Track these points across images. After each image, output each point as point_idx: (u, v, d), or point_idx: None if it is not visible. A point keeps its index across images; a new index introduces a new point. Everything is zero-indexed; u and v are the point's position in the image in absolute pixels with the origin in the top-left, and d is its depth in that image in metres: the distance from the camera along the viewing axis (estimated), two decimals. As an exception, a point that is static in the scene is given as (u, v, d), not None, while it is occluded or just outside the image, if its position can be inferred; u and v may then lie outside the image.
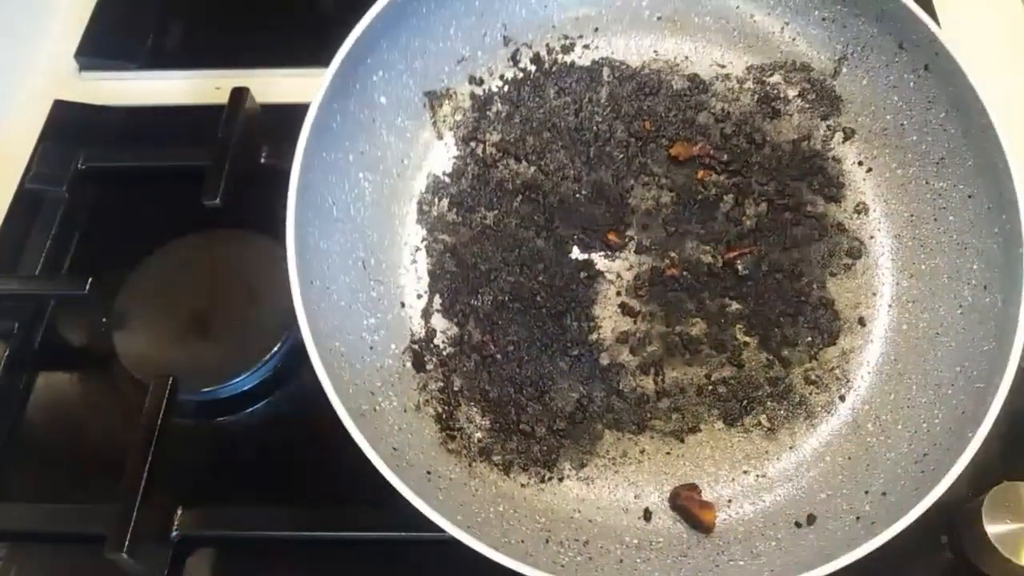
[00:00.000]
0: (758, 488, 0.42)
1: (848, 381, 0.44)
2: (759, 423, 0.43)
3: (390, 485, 0.37)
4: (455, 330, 0.43)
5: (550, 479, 0.41)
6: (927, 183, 0.45)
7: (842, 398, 0.44)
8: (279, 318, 0.52)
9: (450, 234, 0.44)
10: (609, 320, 0.44)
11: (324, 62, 0.65)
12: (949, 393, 0.40)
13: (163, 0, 0.70)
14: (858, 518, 0.38)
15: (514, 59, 0.46)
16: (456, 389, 0.41)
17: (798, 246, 0.46)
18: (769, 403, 0.43)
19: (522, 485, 0.40)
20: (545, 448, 0.41)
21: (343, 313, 0.37)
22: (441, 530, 0.45)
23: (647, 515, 0.41)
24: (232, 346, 0.51)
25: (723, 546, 0.39)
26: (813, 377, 0.44)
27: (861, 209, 0.47)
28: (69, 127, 0.63)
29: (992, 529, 0.42)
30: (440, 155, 0.45)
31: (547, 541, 0.37)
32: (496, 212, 0.44)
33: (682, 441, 0.42)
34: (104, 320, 0.53)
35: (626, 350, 0.44)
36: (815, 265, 0.46)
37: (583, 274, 0.45)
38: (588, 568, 0.37)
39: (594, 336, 0.44)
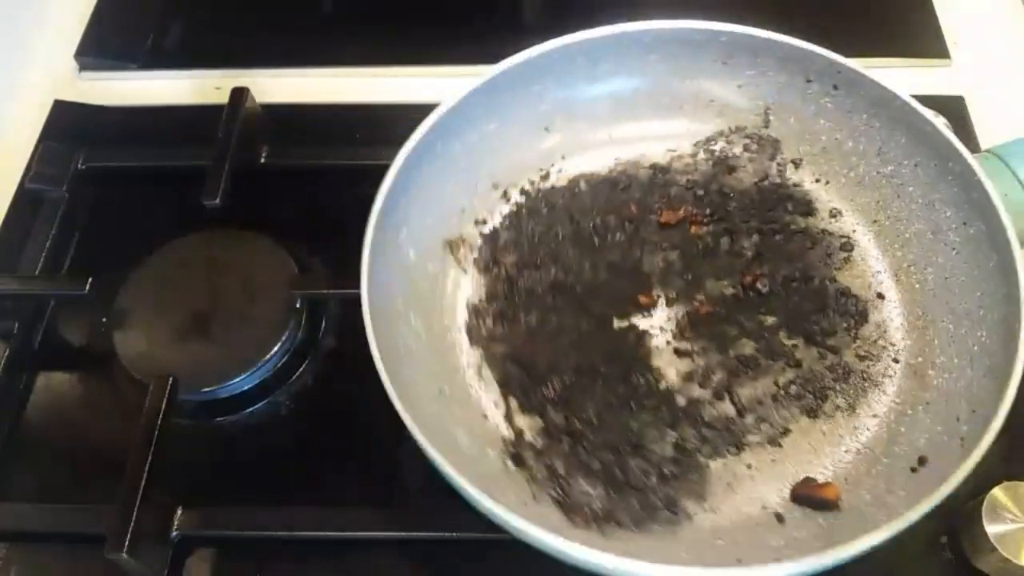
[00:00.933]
0: (863, 459, 0.45)
1: (893, 345, 0.49)
2: (838, 407, 0.47)
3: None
4: (539, 422, 0.46)
5: (680, 521, 0.43)
6: (877, 172, 0.52)
7: (895, 360, 0.48)
8: (279, 318, 0.52)
9: (503, 344, 0.48)
10: (669, 367, 0.48)
11: (325, 63, 0.66)
12: (981, 314, 0.45)
13: (163, 0, 0.70)
14: (962, 439, 0.42)
15: (505, 196, 0.53)
16: (562, 472, 0.44)
17: (798, 258, 0.51)
18: (837, 387, 0.47)
19: (657, 534, 0.43)
20: (662, 496, 0.44)
21: (438, 431, 0.41)
22: (440, 530, 0.46)
23: (779, 519, 0.44)
24: (232, 346, 0.51)
25: (859, 512, 0.42)
26: (863, 353, 0.49)
27: (835, 213, 0.53)
28: (69, 127, 0.63)
29: (992, 529, 0.42)
30: (471, 285, 0.51)
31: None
32: (536, 314, 0.49)
33: (780, 446, 0.46)
34: (104, 320, 0.53)
35: (695, 386, 0.48)
36: (819, 267, 0.51)
37: (631, 336, 0.49)
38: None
39: (663, 384, 0.48)
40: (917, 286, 0.50)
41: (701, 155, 0.55)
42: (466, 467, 0.39)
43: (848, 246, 0.52)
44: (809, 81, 0.52)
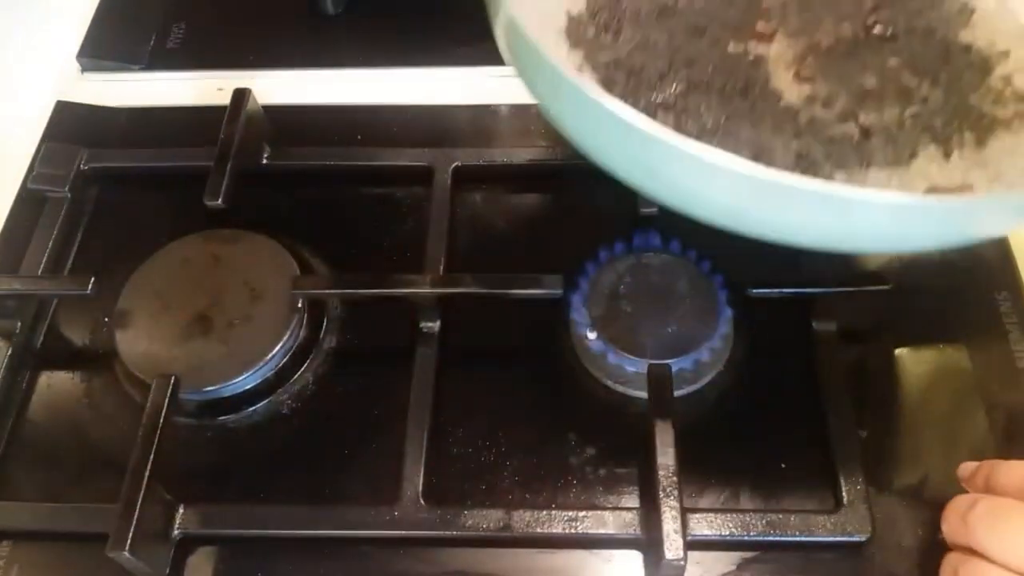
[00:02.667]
0: (998, 186, 0.43)
1: (1020, 96, 0.46)
2: (967, 140, 0.44)
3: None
4: None
5: None
6: None
7: (1020, 105, 0.46)
8: (280, 318, 0.52)
9: (608, 52, 0.45)
10: (790, 89, 0.46)
11: (326, 63, 0.66)
12: None
13: (165, 1, 0.70)
14: None
15: None
16: None
17: (920, 15, 0.49)
18: (966, 123, 0.45)
19: None
20: None
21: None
22: (441, 529, 0.46)
23: None
24: (234, 346, 0.51)
25: None
26: (992, 98, 0.46)
27: None
28: (71, 128, 0.63)
29: (990, 528, 0.42)
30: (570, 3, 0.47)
31: None
32: (643, 31, 0.46)
33: (907, 167, 0.43)
34: (106, 320, 0.53)
35: (819, 107, 0.45)
36: (944, 22, 0.49)
37: (748, 59, 0.46)
38: None
39: (783, 104, 0.45)
40: None
41: None
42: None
43: (970, 9, 0.49)
44: None
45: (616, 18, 0.46)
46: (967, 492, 0.42)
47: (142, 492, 0.44)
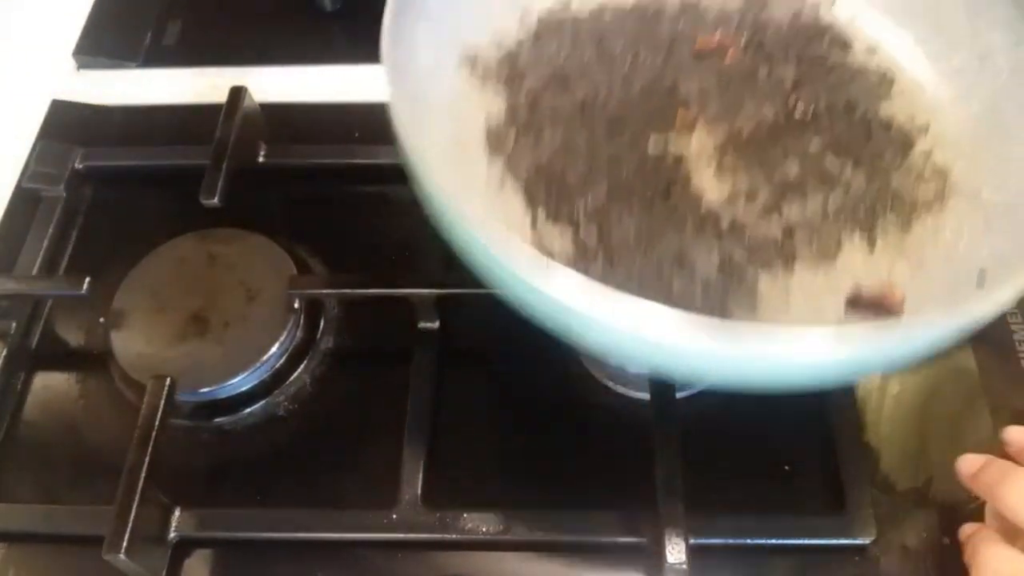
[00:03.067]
0: (923, 275, 0.43)
1: (946, 169, 0.46)
2: (891, 224, 0.45)
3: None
4: (569, 243, 0.42)
5: None
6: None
7: (947, 185, 0.46)
8: (277, 318, 0.52)
9: (528, 156, 0.44)
10: (711, 187, 0.45)
11: (323, 61, 0.66)
12: None
13: (161, -1, 0.70)
14: None
15: (524, 23, 0.49)
16: None
17: (840, 88, 0.49)
18: (890, 206, 0.45)
19: None
20: (708, 309, 0.40)
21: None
22: (439, 531, 0.45)
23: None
24: (230, 346, 0.51)
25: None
26: (912, 176, 0.46)
27: (874, 47, 0.50)
28: (67, 126, 0.62)
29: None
30: (492, 101, 0.46)
31: None
32: (563, 131, 0.45)
33: (833, 261, 0.43)
34: (101, 320, 0.53)
35: (741, 205, 0.44)
36: (862, 97, 0.49)
37: (668, 158, 0.45)
38: None
39: (704, 204, 0.44)
40: (963, 114, 0.48)
41: None
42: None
43: (890, 78, 0.50)
44: None
45: (536, 117, 0.46)
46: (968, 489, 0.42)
47: (138, 494, 0.43)
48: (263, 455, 0.50)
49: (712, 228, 0.43)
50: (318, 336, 0.53)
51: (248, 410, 0.51)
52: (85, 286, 0.51)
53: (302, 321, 0.52)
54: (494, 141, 0.45)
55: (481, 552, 0.46)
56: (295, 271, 0.53)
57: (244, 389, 0.50)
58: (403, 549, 0.46)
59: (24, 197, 0.58)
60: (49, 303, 0.55)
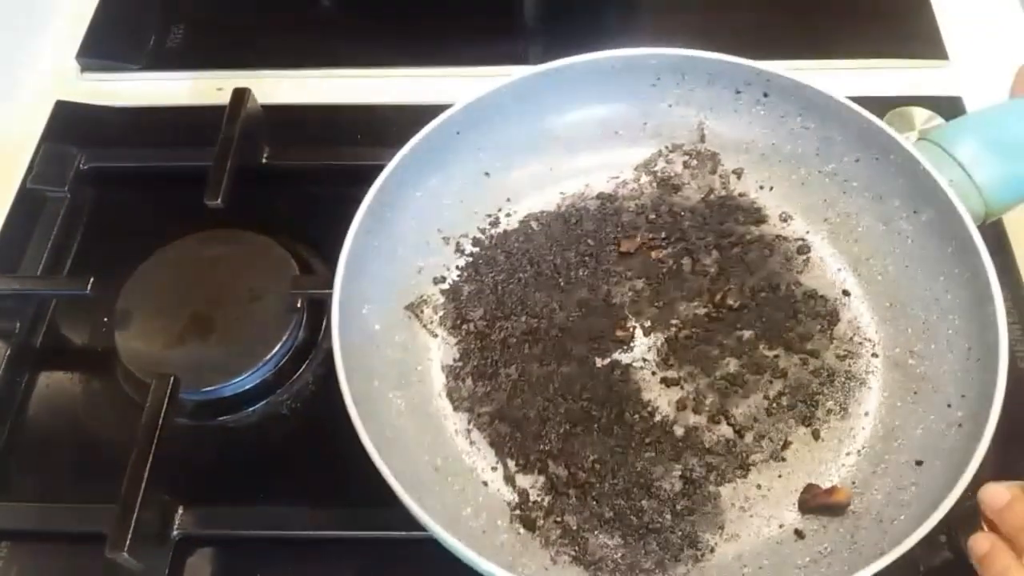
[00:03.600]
0: (866, 460, 0.46)
1: (870, 340, 0.49)
2: (830, 410, 0.47)
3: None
4: (542, 479, 0.45)
5: (703, 556, 0.43)
6: (819, 172, 0.52)
7: (874, 354, 0.49)
8: (280, 318, 0.52)
9: (488, 404, 0.47)
10: (660, 398, 0.48)
11: (326, 63, 0.66)
12: (949, 298, 0.46)
13: (165, 2, 0.70)
14: (959, 425, 0.43)
15: (459, 249, 0.52)
16: (575, 528, 0.44)
17: (760, 267, 0.52)
18: (825, 390, 0.48)
19: (684, 574, 0.43)
20: (680, 533, 0.43)
21: (446, 515, 0.40)
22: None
23: (799, 534, 0.44)
24: (233, 346, 0.51)
25: (877, 513, 0.42)
26: (842, 352, 0.49)
27: (785, 217, 0.53)
28: (71, 128, 0.63)
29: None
30: (442, 349, 0.49)
31: None
32: (515, 366, 0.48)
33: (784, 460, 0.46)
34: (106, 320, 0.53)
35: (690, 414, 0.47)
36: (782, 273, 0.52)
37: (616, 374, 0.48)
38: None
39: (658, 417, 0.47)
40: (879, 278, 0.50)
41: (644, 178, 0.55)
42: (481, 546, 0.39)
43: (805, 248, 0.52)
44: (739, 92, 0.52)
45: (488, 358, 0.48)
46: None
47: (141, 493, 0.44)
48: (266, 454, 0.50)
49: (669, 442, 0.46)
50: (320, 336, 0.53)
51: (251, 409, 0.51)
52: (89, 286, 0.51)
53: (304, 321, 0.53)
54: (455, 397, 0.48)
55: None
56: (298, 271, 0.54)
57: (247, 388, 0.51)
58: (404, 546, 0.46)
59: (28, 198, 0.58)
60: (53, 303, 0.55)
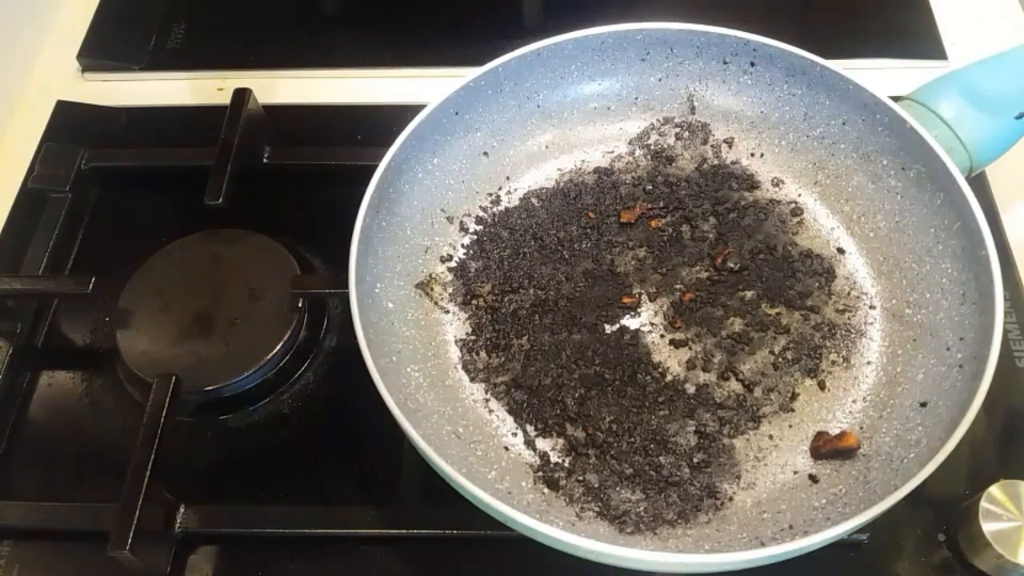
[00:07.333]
0: (871, 406, 0.47)
1: (866, 294, 0.51)
2: (834, 362, 0.49)
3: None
4: (561, 441, 0.46)
5: (723, 505, 0.44)
6: (808, 136, 0.54)
7: (872, 307, 0.50)
8: (281, 317, 0.52)
9: (504, 374, 0.48)
10: (670, 359, 0.49)
11: (326, 64, 0.66)
12: (940, 248, 0.48)
13: (165, 2, 0.70)
14: (960, 366, 0.44)
15: (463, 228, 0.53)
16: (597, 486, 0.44)
17: (757, 230, 0.53)
18: (828, 344, 0.49)
19: (706, 523, 0.43)
20: (699, 484, 0.44)
21: (474, 480, 0.41)
22: (441, 527, 0.46)
23: (814, 479, 0.45)
24: (234, 345, 0.51)
25: (887, 454, 0.43)
26: (841, 307, 0.50)
27: (777, 182, 0.55)
28: (72, 128, 0.63)
29: (989, 527, 0.43)
30: (455, 324, 0.51)
31: (763, 543, 0.40)
32: (527, 337, 0.50)
33: (793, 411, 0.47)
34: (107, 319, 0.54)
35: (700, 372, 0.49)
36: (778, 235, 0.53)
37: (626, 338, 0.50)
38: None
39: (669, 377, 0.48)
40: (871, 234, 0.51)
41: (638, 151, 0.56)
42: (510, 506, 0.39)
43: (798, 210, 0.53)
44: (726, 63, 0.54)
45: (499, 331, 0.50)
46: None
47: (143, 491, 0.44)
48: (267, 452, 0.50)
49: (682, 399, 0.48)
50: (321, 335, 0.54)
51: (252, 408, 0.51)
52: (91, 285, 0.51)
53: (306, 320, 0.53)
54: (471, 369, 0.49)
55: (481, 545, 0.46)
56: (298, 271, 0.54)
57: (248, 387, 0.51)
58: (405, 544, 0.47)
59: (30, 198, 0.59)
60: (55, 302, 0.56)
